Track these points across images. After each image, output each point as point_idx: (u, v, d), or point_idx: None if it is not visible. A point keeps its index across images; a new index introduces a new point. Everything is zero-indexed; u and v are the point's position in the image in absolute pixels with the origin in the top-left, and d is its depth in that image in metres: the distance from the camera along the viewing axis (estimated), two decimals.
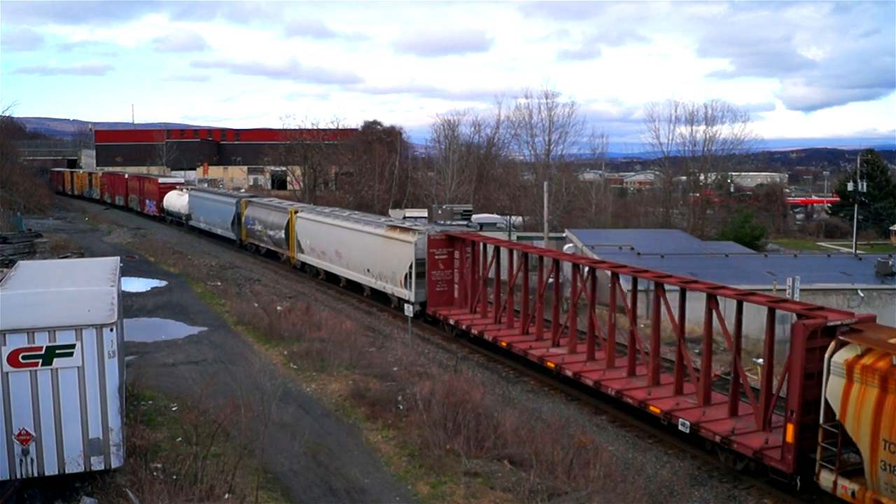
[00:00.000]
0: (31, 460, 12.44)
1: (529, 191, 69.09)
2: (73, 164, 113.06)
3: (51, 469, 12.58)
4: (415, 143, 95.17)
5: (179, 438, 15.86)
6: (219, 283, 35.77)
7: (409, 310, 25.28)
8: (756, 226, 60.23)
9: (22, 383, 12.32)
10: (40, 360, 12.39)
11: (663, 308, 18.98)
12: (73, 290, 14.46)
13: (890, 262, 31.41)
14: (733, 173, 76.93)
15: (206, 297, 32.56)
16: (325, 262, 36.67)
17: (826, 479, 13.80)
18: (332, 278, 36.39)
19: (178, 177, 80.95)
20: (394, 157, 76.14)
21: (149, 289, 34.05)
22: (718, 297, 17.54)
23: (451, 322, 26.70)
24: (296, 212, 39.92)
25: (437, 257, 28.34)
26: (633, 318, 20.20)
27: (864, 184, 65.52)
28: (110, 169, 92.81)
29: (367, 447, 16.47)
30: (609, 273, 20.95)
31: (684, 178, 73.57)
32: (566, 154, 73.06)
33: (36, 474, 12.54)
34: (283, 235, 40.81)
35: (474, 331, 25.43)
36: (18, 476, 12.45)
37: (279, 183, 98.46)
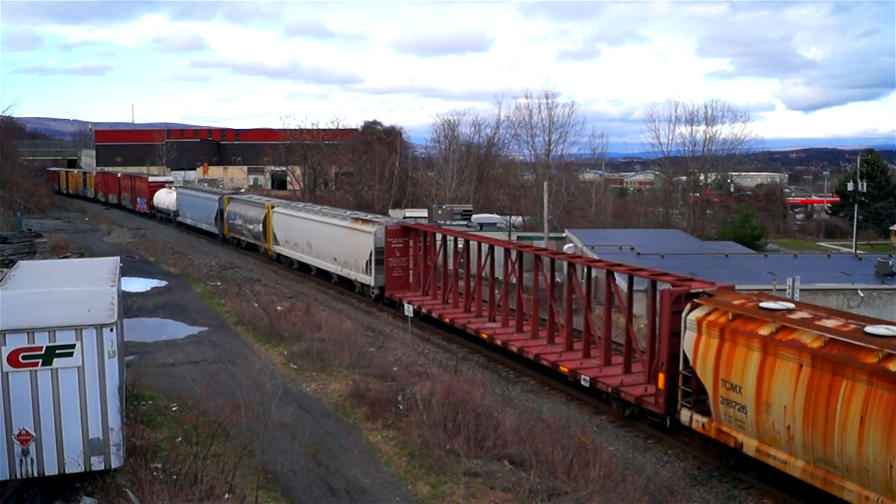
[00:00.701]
0: (31, 460, 12.44)
1: (529, 191, 69.13)
2: (73, 164, 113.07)
3: (51, 469, 12.58)
4: (415, 143, 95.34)
5: (179, 438, 15.87)
6: (219, 283, 35.78)
7: (408, 310, 25.40)
8: (756, 226, 60.23)
9: (22, 383, 12.32)
10: (40, 360, 12.39)
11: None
12: (73, 290, 14.45)
13: (890, 262, 31.40)
14: (733, 173, 77.00)
15: (206, 297, 32.57)
16: (297, 253, 39.56)
17: (685, 415, 16.91)
18: (304, 268, 39.27)
19: (178, 177, 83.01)
20: (394, 157, 76.16)
21: (149, 289, 34.06)
22: (616, 273, 21.13)
23: (405, 302, 28.16)
24: (272, 207, 42.61)
25: (393, 246, 31.22)
26: (551, 293, 23.80)
27: (864, 184, 65.53)
28: (103, 169, 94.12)
29: (367, 447, 16.48)
30: (533, 255, 25.14)
31: (684, 178, 73.58)
32: (566, 154, 73.19)
33: (36, 474, 12.55)
34: (260, 229, 43.55)
35: (424, 310, 28.31)
36: (18, 476, 12.45)
37: (279, 183, 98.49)
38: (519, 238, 45.13)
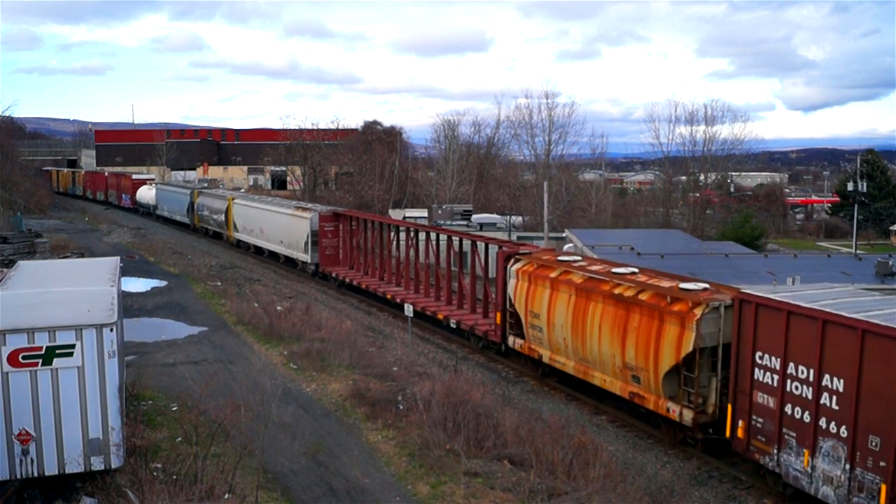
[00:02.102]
0: (31, 460, 12.45)
1: (529, 191, 69.15)
2: (74, 164, 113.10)
3: (51, 469, 12.59)
4: (415, 143, 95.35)
5: (179, 438, 15.87)
6: (219, 283, 35.78)
7: (408, 310, 25.50)
8: (756, 226, 60.13)
9: (22, 383, 12.33)
10: (40, 360, 12.40)
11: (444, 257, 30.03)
12: (73, 290, 14.47)
13: (890, 262, 31.37)
14: (733, 173, 76.92)
15: (206, 296, 32.57)
16: (253, 238, 44.92)
17: (511, 341, 23.29)
18: (258, 251, 44.60)
19: (179, 177, 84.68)
20: (394, 157, 76.14)
21: (149, 289, 34.06)
22: (478, 243, 28.02)
23: (335, 275, 35.95)
24: (232, 199, 48.18)
25: (326, 229, 37.09)
26: (437, 261, 29.67)
27: (864, 184, 65.42)
28: (90, 168, 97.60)
29: (367, 447, 16.48)
30: (425, 233, 31.43)
31: (684, 178, 73.53)
32: (566, 154, 73.20)
33: (36, 474, 12.56)
34: (223, 218, 48.87)
35: (347, 279, 34.78)
36: (18, 476, 12.46)
37: (279, 183, 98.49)
38: (518, 238, 45.12)
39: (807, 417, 14.13)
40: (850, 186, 68.59)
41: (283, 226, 40.36)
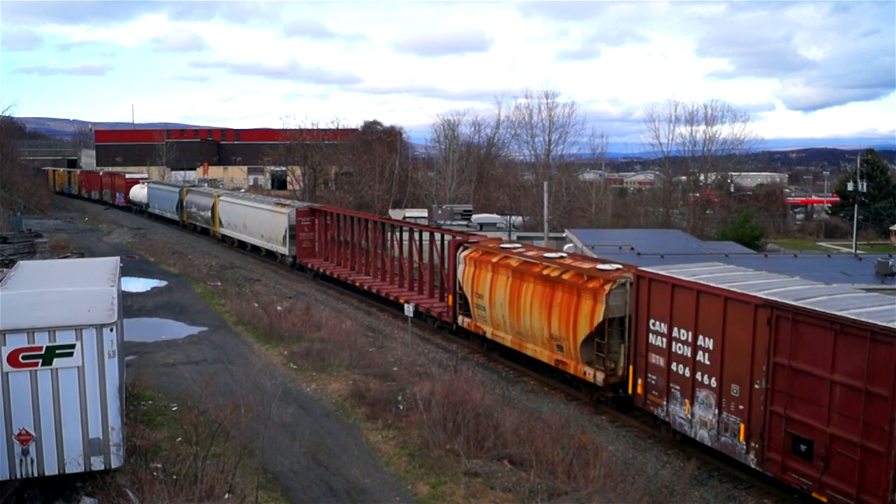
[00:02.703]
0: (31, 460, 12.45)
1: (529, 191, 69.10)
2: (74, 164, 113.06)
3: (51, 469, 12.59)
4: (415, 143, 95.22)
5: (179, 438, 15.87)
6: (219, 283, 35.78)
7: (408, 310, 25.50)
8: (756, 226, 60.05)
9: (22, 383, 12.33)
10: (40, 360, 12.40)
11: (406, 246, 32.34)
12: (73, 290, 14.47)
13: (890, 262, 31.34)
14: (733, 173, 76.77)
15: (206, 297, 32.56)
16: (236, 233, 47.36)
17: (460, 320, 25.86)
18: (242, 245, 46.80)
19: (179, 177, 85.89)
20: (394, 157, 76.09)
21: (149, 289, 34.06)
22: (435, 234, 30.66)
23: (311, 267, 38.37)
24: (218, 196, 50.55)
25: (303, 223, 39.39)
26: (400, 252, 32.50)
27: (864, 184, 65.35)
28: (85, 168, 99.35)
29: (367, 447, 16.48)
30: (390, 226, 34.07)
31: (684, 178, 73.46)
32: (566, 154, 73.06)
33: (36, 474, 12.55)
34: (209, 215, 51.18)
35: (322, 270, 37.33)
36: (18, 476, 12.46)
37: (279, 183, 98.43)
38: (518, 238, 45.14)
39: (687, 372, 16.76)
40: (850, 186, 68.54)
41: (263, 221, 42.91)
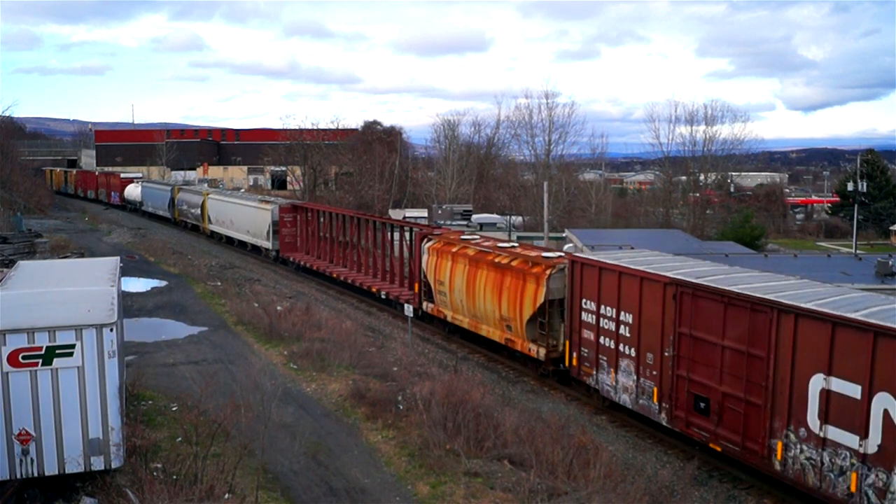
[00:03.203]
0: (31, 460, 12.45)
1: (529, 191, 69.05)
2: (74, 164, 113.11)
3: (51, 469, 12.59)
4: (415, 143, 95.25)
5: (179, 438, 15.87)
6: (219, 283, 35.78)
7: (408, 310, 25.49)
8: (756, 226, 60.03)
9: (22, 383, 12.33)
10: (40, 360, 12.39)
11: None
12: (73, 290, 14.46)
13: (890, 262, 31.33)
14: (733, 173, 76.69)
15: (206, 297, 32.56)
16: (224, 229, 49.69)
17: (425, 306, 28.15)
18: (230, 241, 49.00)
19: (179, 177, 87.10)
20: (394, 157, 76.08)
21: (149, 289, 34.06)
22: (405, 228, 32.68)
23: (293, 260, 40.57)
24: (207, 194, 53.24)
25: (285, 219, 41.56)
26: (374, 245, 34.43)
27: (864, 184, 65.30)
28: (82, 168, 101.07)
29: (367, 447, 16.48)
30: (364, 221, 35.86)
31: (684, 178, 73.42)
32: (566, 154, 72.96)
33: (36, 474, 12.55)
34: (199, 212, 53.81)
35: (303, 263, 39.41)
36: (18, 476, 12.46)
37: (279, 183, 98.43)
38: (518, 238, 45.14)
39: (612, 345, 19.00)
40: (850, 186, 68.51)
41: (249, 217, 45.35)
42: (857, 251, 53.80)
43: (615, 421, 19.37)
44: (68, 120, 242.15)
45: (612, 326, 18.88)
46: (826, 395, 13.85)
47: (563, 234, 49.53)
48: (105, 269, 16.93)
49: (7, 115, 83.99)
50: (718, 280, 16.65)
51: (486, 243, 25.99)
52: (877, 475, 13.08)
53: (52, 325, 12.46)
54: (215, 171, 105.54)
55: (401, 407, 18.29)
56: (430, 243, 27.67)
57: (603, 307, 19.23)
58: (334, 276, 35.92)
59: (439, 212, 53.64)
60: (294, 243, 41.56)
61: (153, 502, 12.25)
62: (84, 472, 12.80)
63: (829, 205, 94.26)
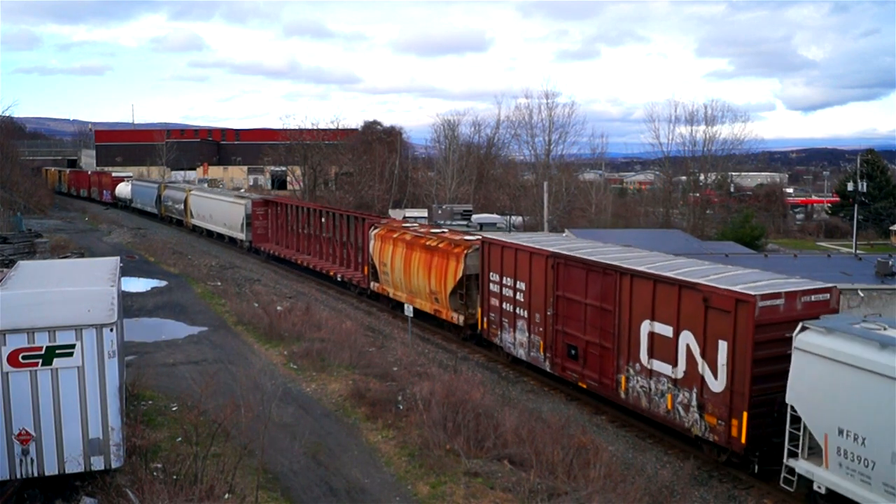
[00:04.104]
0: (31, 460, 12.44)
1: (529, 191, 68.96)
2: (74, 164, 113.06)
3: (51, 469, 12.59)
4: (415, 143, 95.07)
5: (179, 438, 15.87)
6: (219, 283, 35.78)
7: (408, 310, 25.54)
8: (756, 226, 60.00)
9: (22, 383, 12.32)
10: (40, 360, 12.39)
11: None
12: (73, 290, 14.45)
13: (890, 262, 31.30)
14: (733, 173, 76.63)
15: (206, 297, 32.56)
16: (204, 223, 53.68)
17: (372, 285, 31.98)
18: (209, 233, 53.01)
19: (179, 177, 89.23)
20: (394, 157, 76.03)
21: (149, 289, 34.05)
22: (358, 217, 35.46)
23: (264, 250, 44.29)
24: (189, 191, 57.74)
25: (258, 213, 45.09)
26: (335, 235, 37.10)
27: (864, 184, 65.25)
28: (74, 168, 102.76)
29: (367, 447, 16.48)
30: (324, 212, 38.88)
31: (684, 178, 73.38)
32: (566, 154, 72.76)
33: (36, 474, 12.55)
34: (182, 207, 57.85)
35: (273, 252, 43.05)
36: (18, 476, 12.46)
37: (279, 183, 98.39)
38: None
39: (511, 308, 23.05)
40: (850, 186, 68.47)
41: (225, 211, 49.27)
42: (857, 251, 53.80)
43: (615, 421, 19.37)
44: (68, 120, 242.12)
45: (511, 294, 22.99)
46: (651, 336, 17.69)
47: (564, 235, 49.48)
48: (105, 269, 16.92)
49: (7, 115, 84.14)
50: (584, 252, 20.66)
51: (422, 230, 30.18)
52: (683, 394, 16.86)
53: (52, 325, 12.46)
54: (215, 171, 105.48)
55: (401, 407, 18.29)
56: (375, 230, 31.62)
57: (505, 278, 23.31)
58: (299, 262, 39.38)
59: (439, 212, 53.57)
60: (265, 235, 44.90)
61: (153, 502, 12.25)
62: (84, 472, 12.80)
63: (829, 205, 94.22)
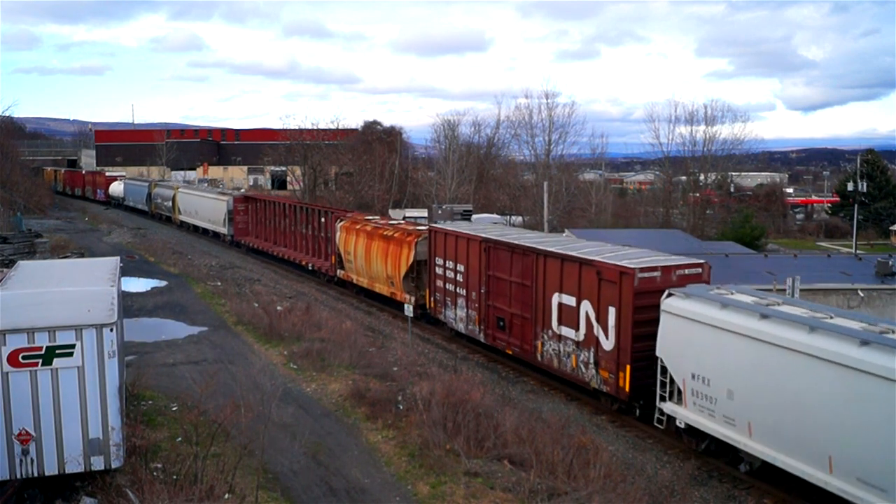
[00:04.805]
0: (31, 460, 12.44)
1: (529, 191, 68.92)
2: (74, 164, 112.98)
3: (51, 469, 12.58)
4: (415, 143, 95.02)
5: (179, 438, 15.87)
6: (219, 283, 35.78)
7: (408, 310, 25.52)
8: (756, 226, 60.00)
9: (22, 383, 12.32)
10: (40, 360, 12.39)
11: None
12: (73, 290, 14.44)
13: (890, 262, 31.32)
14: (733, 173, 76.60)
15: (206, 296, 32.56)
16: (191, 219, 56.91)
17: (338, 272, 34.84)
18: (196, 229, 55.78)
19: (178, 177, 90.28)
20: (394, 157, 76.00)
21: (149, 289, 34.05)
22: (328, 212, 38.12)
23: (244, 243, 47.56)
24: (177, 188, 61.66)
25: (239, 209, 48.44)
26: (307, 229, 39.83)
27: (864, 184, 65.25)
28: (70, 168, 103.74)
29: (367, 447, 16.48)
30: (297, 207, 41.85)
31: (684, 178, 73.35)
32: (566, 154, 72.68)
33: (36, 474, 12.55)
34: (171, 205, 61.27)
35: (252, 245, 46.30)
36: (18, 476, 12.45)
37: (279, 183, 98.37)
38: None
39: (453, 288, 26.18)
40: (850, 186, 68.46)
41: (209, 208, 52.52)
42: (857, 251, 53.81)
43: (615, 421, 19.37)
44: (68, 120, 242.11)
45: (453, 275, 26.06)
46: (560, 306, 20.79)
47: (564, 235, 49.47)
48: (105, 269, 16.92)
49: (7, 115, 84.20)
50: (510, 238, 23.87)
51: (381, 222, 33.56)
52: (584, 354, 19.96)
53: (52, 325, 12.46)
54: (215, 171, 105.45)
55: (401, 407, 18.29)
56: (342, 223, 34.67)
57: (448, 262, 26.33)
58: (276, 254, 42.55)
59: (439, 212, 53.50)
60: (246, 229, 48.24)
61: (153, 502, 12.25)
62: (84, 472, 12.80)
63: (829, 205, 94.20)
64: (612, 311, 18.72)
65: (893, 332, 13.35)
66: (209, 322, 27.81)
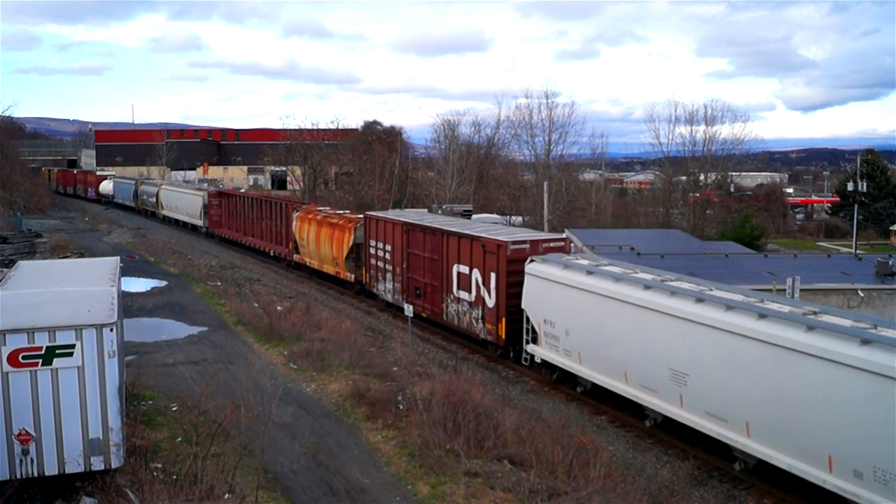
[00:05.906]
0: (31, 460, 12.44)
1: (529, 191, 68.95)
2: (74, 164, 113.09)
3: (51, 469, 12.58)
4: (415, 143, 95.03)
5: (179, 438, 15.87)
6: (219, 283, 35.78)
7: (408, 310, 25.49)
8: (756, 226, 59.97)
9: (22, 383, 12.32)
10: (40, 360, 12.38)
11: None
12: (73, 290, 14.44)
13: (890, 262, 31.30)
14: (733, 173, 76.58)
15: (206, 297, 32.56)
16: (172, 213, 61.33)
17: (295, 258, 39.55)
18: (177, 222, 60.12)
19: (178, 177, 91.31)
20: (394, 157, 76.01)
21: (149, 289, 34.05)
22: (288, 204, 42.26)
23: (217, 233, 51.80)
24: (161, 185, 66.52)
25: (213, 203, 52.68)
26: (272, 220, 43.69)
27: (864, 184, 65.26)
28: (63, 168, 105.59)
29: (367, 447, 16.48)
30: (262, 201, 46.11)
31: (684, 178, 73.34)
32: (566, 154, 72.72)
33: (36, 474, 12.54)
34: (155, 200, 65.61)
35: (225, 235, 50.81)
36: (18, 476, 12.45)
37: (279, 183, 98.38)
38: None
39: (383, 265, 30.72)
40: (850, 186, 68.46)
41: (188, 202, 57.39)
42: (857, 251, 53.80)
43: (615, 421, 19.37)
44: (68, 120, 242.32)
45: (383, 254, 30.60)
46: (458, 275, 25.55)
47: (564, 234, 49.44)
48: (105, 268, 16.92)
49: (7, 115, 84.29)
50: (425, 221, 28.76)
51: (330, 211, 38.66)
52: (475, 311, 24.76)
53: (52, 325, 12.46)
54: (215, 171, 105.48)
55: (401, 407, 18.29)
56: (297, 213, 38.98)
57: (378, 243, 30.88)
58: (244, 243, 46.91)
59: (439, 212, 53.55)
60: (220, 221, 52.26)
61: (153, 502, 12.25)
62: (84, 472, 12.80)
63: (829, 205, 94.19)
64: (493, 276, 23.63)
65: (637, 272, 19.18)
66: (209, 322, 27.81)
